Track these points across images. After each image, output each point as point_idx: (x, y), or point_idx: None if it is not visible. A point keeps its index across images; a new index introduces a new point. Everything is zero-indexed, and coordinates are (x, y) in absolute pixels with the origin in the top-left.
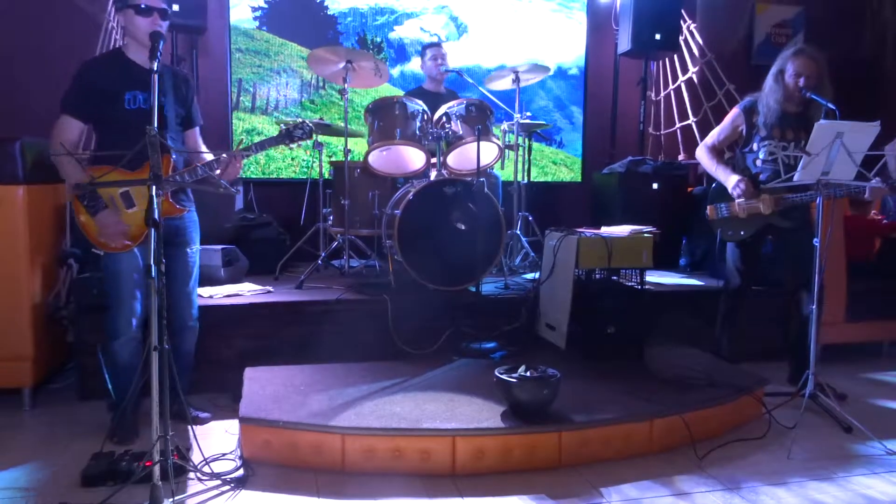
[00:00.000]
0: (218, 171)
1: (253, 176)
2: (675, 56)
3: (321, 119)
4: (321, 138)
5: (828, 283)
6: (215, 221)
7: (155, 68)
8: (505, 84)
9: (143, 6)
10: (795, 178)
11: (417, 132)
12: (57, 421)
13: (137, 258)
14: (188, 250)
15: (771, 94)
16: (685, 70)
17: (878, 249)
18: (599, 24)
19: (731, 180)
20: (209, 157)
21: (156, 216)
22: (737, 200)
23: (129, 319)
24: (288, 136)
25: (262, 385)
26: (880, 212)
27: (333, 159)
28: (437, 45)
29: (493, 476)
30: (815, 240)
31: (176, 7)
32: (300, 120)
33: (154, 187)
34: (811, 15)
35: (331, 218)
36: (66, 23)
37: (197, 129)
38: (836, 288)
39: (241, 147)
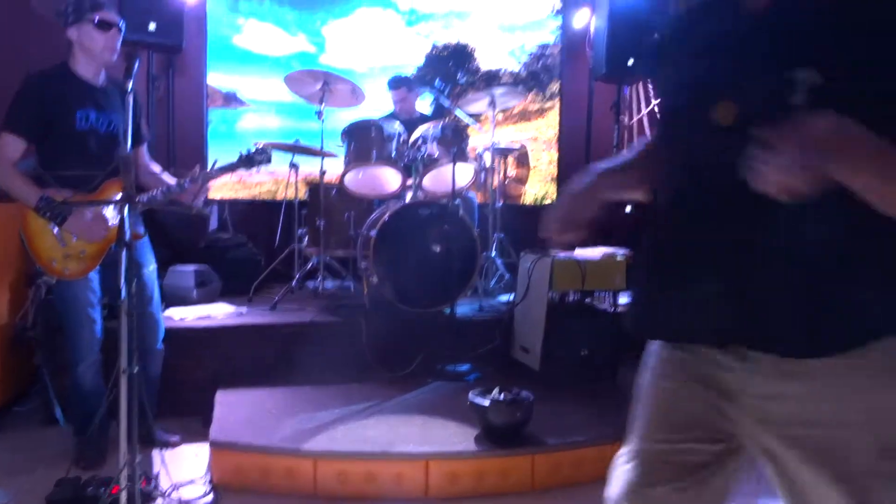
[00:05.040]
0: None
1: (228, 196)
2: (649, 81)
3: (297, 141)
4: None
5: None
6: (189, 241)
7: (129, 88)
8: (481, 107)
9: (98, 20)
10: None
11: (394, 154)
12: (20, 446)
13: (92, 282)
14: (144, 272)
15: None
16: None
17: None
18: (574, 48)
19: None
20: (158, 171)
21: (127, 236)
22: None
23: (90, 344)
24: (248, 161)
25: (233, 408)
26: None
27: (309, 179)
28: (398, 87)
29: (466, 500)
30: None
31: (152, 26)
32: (260, 145)
33: (127, 208)
34: None
35: (306, 238)
36: (43, 37)
37: (145, 145)
38: None
39: (199, 172)
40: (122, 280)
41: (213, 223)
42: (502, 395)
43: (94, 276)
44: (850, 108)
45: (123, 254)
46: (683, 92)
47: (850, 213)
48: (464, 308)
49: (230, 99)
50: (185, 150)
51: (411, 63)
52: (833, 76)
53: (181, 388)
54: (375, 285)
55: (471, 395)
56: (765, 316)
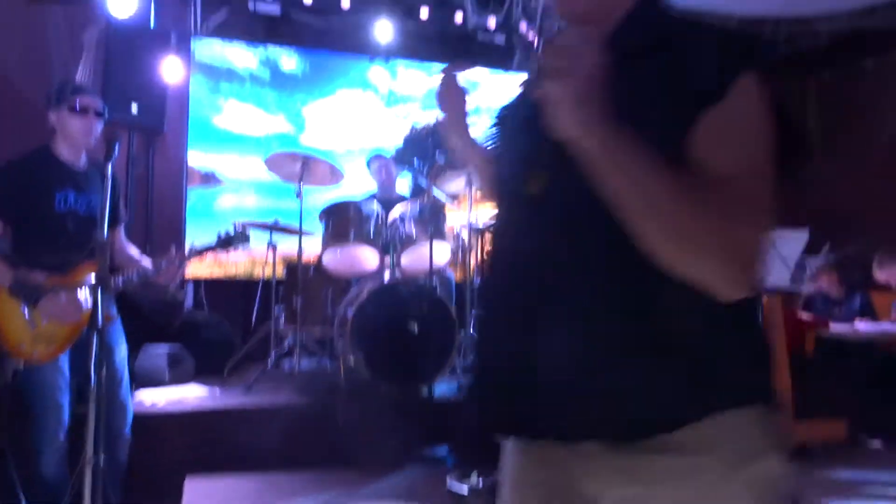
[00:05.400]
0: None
1: (205, 273)
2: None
3: (276, 221)
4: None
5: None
6: (163, 320)
7: (108, 173)
8: (459, 185)
9: (77, 105)
10: None
11: (371, 233)
12: None
13: (61, 364)
14: (114, 356)
15: None
16: None
17: (814, 348)
18: None
19: None
20: (135, 253)
21: (99, 321)
22: None
23: (56, 431)
24: (226, 242)
25: (203, 496)
26: (803, 308)
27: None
28: (381, 156)
29: None
30: None
31: (135, 107)
32: (240, 226)
33: (100, 292)
34: None
35: (283, 317)
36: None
37: (122, 226)
38: (780, 386)
39: (178, 253)
40: (93, 366)
41: (189, 301)
42: (480, 481)
43: (63, 358)
44: None
45: (94, 339)
46: (507, 165)
47: (651, 279)
48: (442, 387)
49: (208, 178)
50: (163, 229)
51: (390, 143)
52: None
53: (150, 476)
54: (352, 365)
55: (449, 481)
56: (572, 400)
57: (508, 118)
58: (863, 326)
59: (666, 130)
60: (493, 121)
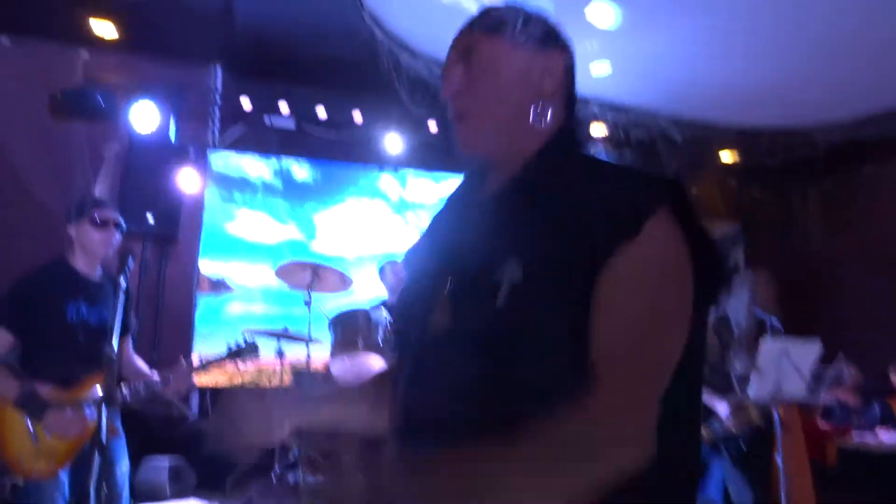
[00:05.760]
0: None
1: (210, 382)
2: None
3: (286, 329)
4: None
5: (797, 495)
6: (165, 429)
7: (123, 286)
8: None
9: (96, 219)
10: (751, 395)
11: (381, 342)
12: None
13: (63, 484)
14: (116, 470)
15: (743, 311)
16: None
17: (837, 458)
18: None
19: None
20: (142, 365)
21: (103, 439)
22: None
23: None
24: (236, 354)
25: None
26: (823, 417)
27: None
28: (394, 262)
29: None
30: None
31: (150, 218)
32: (249, 338)
33: (105, 410)
34: (747, 229)
35: None
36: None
37: (130, 336)
38: (804, 497)
39: (186, 366)
40: (93, 484)
41: (194, 411)
42: None
43: (63, 473)
44: (546, 309)
45: (96, 456)
46: (414, 296)
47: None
48: None
49: (218, 285)
50: (172, 336)
51: (400, 250)
52: (531, 272)
53: None
54: (359, 479)
55: None
56: None
57: (413, 258)
58: (887, 437)
59: (572, 274)
60: (403, 260)
